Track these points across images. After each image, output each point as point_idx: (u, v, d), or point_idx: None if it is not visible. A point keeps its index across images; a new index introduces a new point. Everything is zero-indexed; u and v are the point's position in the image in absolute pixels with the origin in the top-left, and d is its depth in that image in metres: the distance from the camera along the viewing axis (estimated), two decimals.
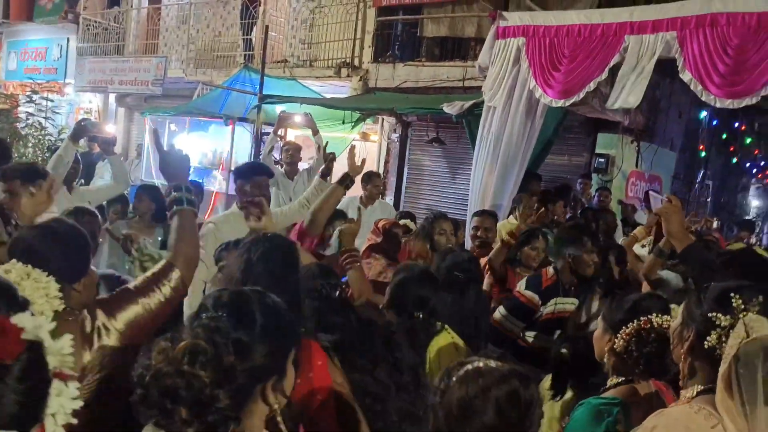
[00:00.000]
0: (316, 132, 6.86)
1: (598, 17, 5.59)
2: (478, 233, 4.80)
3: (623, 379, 1.96)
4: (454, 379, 1.40)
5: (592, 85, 5.46)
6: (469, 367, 1.42)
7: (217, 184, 10.39)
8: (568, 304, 3.38)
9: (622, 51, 5.30)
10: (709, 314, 1.53)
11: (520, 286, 3.50)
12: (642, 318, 1.93)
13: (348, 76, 9.41)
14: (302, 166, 6.96)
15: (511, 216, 6.05)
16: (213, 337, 1.15)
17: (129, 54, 13.06)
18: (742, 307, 1.50)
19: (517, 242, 4.13)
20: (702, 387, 1.55)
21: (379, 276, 3.84)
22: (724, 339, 1.49)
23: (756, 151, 10.95)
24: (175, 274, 1.83)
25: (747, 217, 11.17)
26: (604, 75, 5.42)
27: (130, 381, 1.14)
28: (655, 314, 1.93)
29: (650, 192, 5.73)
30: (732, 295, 1.53)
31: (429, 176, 9.13)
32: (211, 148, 10.90)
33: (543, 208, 6.14)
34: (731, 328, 1.49)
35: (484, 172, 6.26)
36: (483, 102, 6.31)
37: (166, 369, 1.11)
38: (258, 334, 1.19)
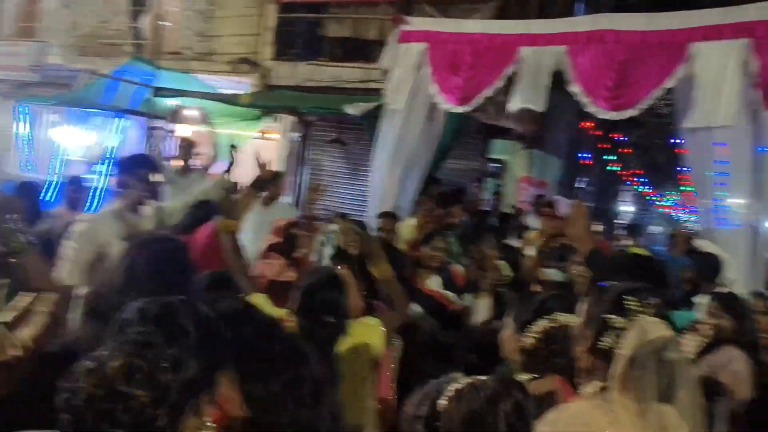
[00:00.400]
0: (211, 128, 6.65)
1: (496, 28, 5.82)
2: (381, 234, 4.86)
3: (531, 376, 2.03)
4: (445, 401, 1.32)
5: (489, 92, 5.67)
6: (458, 385, 1.35)
7: (102, 179, 9.77)
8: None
9: (518, 61, 5.54)
10: (605, 316, 1.60)
11: (433, 284, 3.56)
12: (549, 317, 2.02)
13: (247, 72, 9.18)
14: (197, 163, 6.70)
15: (411, 218, 6.16)
16: (145, 354, 1.08)
17: (4, 37, 12.03)
18: (637, 309, 1.59)
19: (418, 243, 4.23)
20: (601, 384, 1.63)
21: (279, 276, 3.79)
22: (619, 340, 1.58)
23: (632, 161, 11.86)
24: (51, 299, 1.84)
25: (622, 222, 12.03)
26: (501, 83, 5.65)
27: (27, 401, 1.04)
28: (560, 313, 2.02)
29: (557, 197, 6.04)
30: (626, 297, 1.62)
31: (329, 177, 9.08)
32: (96, 141, 10.24)
33: (439, 209, 6.29)
34: (626, 330, 1.57)
35: (384, 174, 6.33)
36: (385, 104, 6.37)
37: (100, 392, 1.03)
38: (191, 346, 1.13)
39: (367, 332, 2.57)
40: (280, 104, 8.41)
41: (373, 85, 7.74)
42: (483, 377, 1.39)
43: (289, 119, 9.12)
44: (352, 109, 6.93)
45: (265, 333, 1.69)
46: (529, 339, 1.96)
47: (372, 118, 6.82)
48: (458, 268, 3.57)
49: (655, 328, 1.56)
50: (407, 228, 5.85)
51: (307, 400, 1.53)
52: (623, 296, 1.63)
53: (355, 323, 2.50)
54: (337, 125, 8.56)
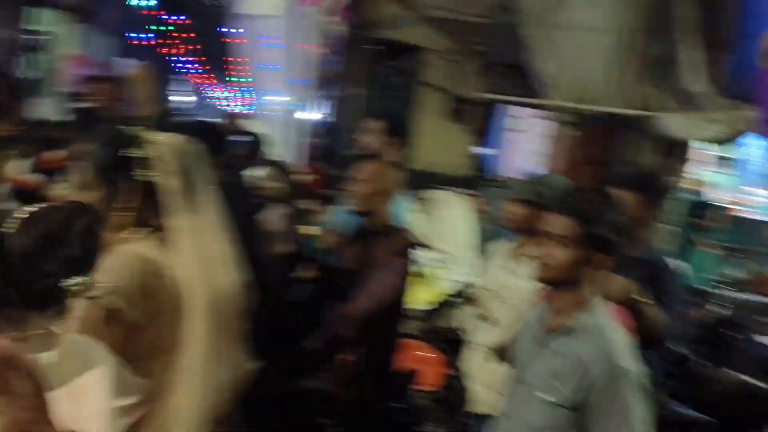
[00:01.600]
0: None
1: None
2: None
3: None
4: (21, 224, 1.26)
5: None
6: (34, 209, 1.30)
7: None
8: None
9: None
10: (119, 154, 1.58)
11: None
12: None
13: None
14: None
15: None
16: None
17: None
18: (136, 135, 1.61)
19: None
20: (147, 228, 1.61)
21: None
22: (147, 169, 1.57)
23: (187, 48, 11.96)
24: None
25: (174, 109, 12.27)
26: None
27: None
28: None
29: (119, 59, 5.60)
30: (120, 129, 1.66)
31: None
32: None
33: None
34: (147, 156, 1.58)
35: None
36: None
37: None
38: None
39: None
40: None
41: None
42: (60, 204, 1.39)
43: None
44: None
45: None
46: None
47: None
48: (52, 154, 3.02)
49: (164, 139, 1.63)
50: None
51: None
52: (120, 133, 1.64)
53: None
54: None
